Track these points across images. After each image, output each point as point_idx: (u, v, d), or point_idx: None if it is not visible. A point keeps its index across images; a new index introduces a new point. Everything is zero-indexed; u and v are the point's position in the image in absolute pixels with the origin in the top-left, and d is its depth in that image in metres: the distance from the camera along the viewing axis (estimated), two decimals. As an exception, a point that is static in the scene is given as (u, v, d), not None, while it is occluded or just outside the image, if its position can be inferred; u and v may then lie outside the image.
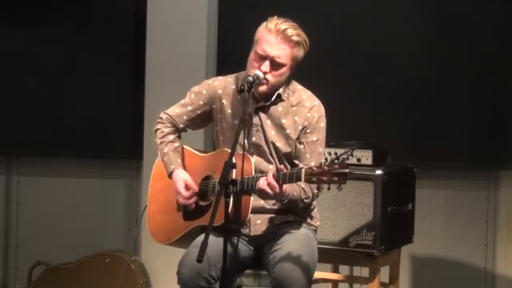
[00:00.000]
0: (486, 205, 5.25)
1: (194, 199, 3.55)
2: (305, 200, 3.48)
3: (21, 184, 5.79)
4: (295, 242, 3.47)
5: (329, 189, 3.26)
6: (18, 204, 5.79)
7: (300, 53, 3.50)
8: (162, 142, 3.67)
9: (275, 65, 3.46)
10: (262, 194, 3.35)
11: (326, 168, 3.18)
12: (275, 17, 3.49)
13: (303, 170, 3.23)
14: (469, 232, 5.24)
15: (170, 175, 3.62)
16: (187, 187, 3.55)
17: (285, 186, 3.33)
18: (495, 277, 5.23)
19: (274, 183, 3.28)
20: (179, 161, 3.63)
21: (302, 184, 3.41)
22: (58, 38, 5.57)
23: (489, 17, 5.11)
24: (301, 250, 3.42)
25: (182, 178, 3.57)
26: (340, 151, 4.32)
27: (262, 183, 3.30)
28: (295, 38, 3.46)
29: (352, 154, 4.31)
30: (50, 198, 5.71)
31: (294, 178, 3.26)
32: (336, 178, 3.16)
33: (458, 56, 5.16)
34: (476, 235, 5.24)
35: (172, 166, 3.61)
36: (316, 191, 3.49)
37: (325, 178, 3.18)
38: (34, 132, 5.61)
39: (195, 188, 3.56)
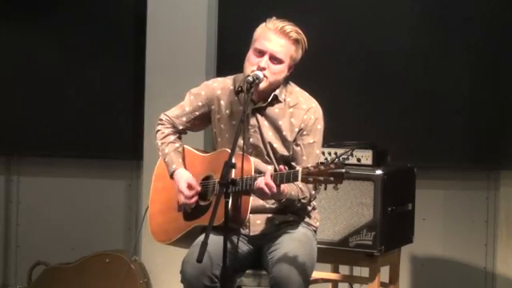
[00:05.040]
0: (486, 205, 5.25)
1: (195, 199, 3.55)
2: (302, 200, 3.49)
3: (21, 184, 5.79)
4: (294, 241, 3.47)
5: (325, 188, 3.25)
6: (18, 204, 5.79)
7: (298, 52, 3.51)
8: (163, 143, 3.68)
9: (274, 60, 3.46)
10: (260, 194, 3.36)
11: (322, 168, 3.18)
12: (274, 17, 3.51)
13: (300, 170, 3.24)
14: (469, 232, 5.24)
15: (171, 175, 3.62)
16: (190, 187, 3.55)
17: (283, 186, 3.33)
18: (495, 277, 5.23)
19: (272, 183, 3.29)
20: (180, 160, 3.64)
21: (300, 184, 3.42)
22: (57, 37, 5.58)
23: (489, 17, 5.11)
24: (299, 249, 3.42)
25: (184, 177, 3.57)
26: (340, 151, 4.32)
27: (260, 183, 3.31)
28: (294, 35, 3.47)
29: (352, 154, 4.31)
30: (50, 198, 5.71)
31: (292, 178, 3.27)
32: (332, 178, 3.17)
33: (458, 56, 5.16)
34: (476, 235, 5.24)
35: (174, 166, 3.62)
36: (313, 192, 3.50)
37: (321, 178, 3.19)
38: (34, 132, 5.61)
39: (198, 187, 3.55)
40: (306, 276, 3.38)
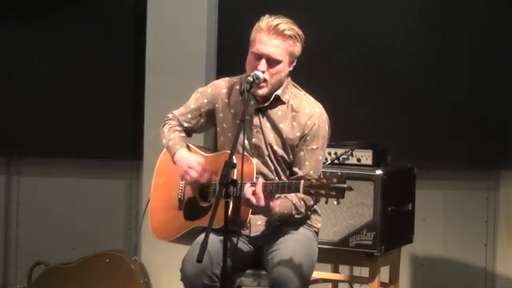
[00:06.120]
0: (485, 205, 5.25)
1: (207, 176, 3.48)
2: (296, 216, 3.47)
3: (21, 184, 5.79)
4: (293, 242, 3.47)
5: (326, 202, 3.22)
6: (18, 204, 5.79)
7: (296, 48, 3.48)
8: (169, 130, 3.64)
9: (272, 62, 3.44)
10: (248, 204, 3.32)
11: (324, 181, 3.15)
12: (266, 15, 3.49)
13: (302, 182, 3.21)
14: (469, 232, 5.24)
15: (173, 156, 3.56)
16: (200, 164, 3.48)
17: (273, 204, 3.32)
18: (495, 277, 5.23)
19: (260, 194, 3.26)
20: (185, 145, 3.60)
21: (295, 199, 3.43)
22: (57, 37, 5.58)
23: (488, 17, 5.11)
24: (299, 250, 3.41)
25: (192, 155, 3.52)
26: (340, 151, 4.32)
27: (247, 191, 3.28)
28: (288, 32, 3.44)
29: (352, 154, 4.31)
30: (49, 198, 5.70)
31: (293, 188, 3.25)
32: (334, 193, 3.14)
33: (457, 56, 5.16)
34: (476, 235, 5.24)
35: (177, 146, 3.57)
36: (311, 203, 3.48)
37: (323, 192, 3.16)
38: (33, 132, 5.61)
39: (205, 165, 3.48)
40: (305, 277, 3.38)
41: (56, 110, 5.58)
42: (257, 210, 3.37)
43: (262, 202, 3.28)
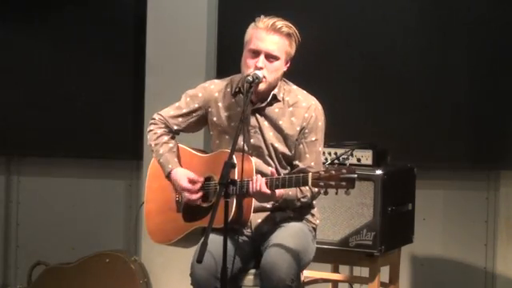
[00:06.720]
0: (485, 205, 5.25)
1: (200, 193, 3.52)
2: (302, 199, 3.49)
3: (21, 184, 5.79)
4: (285, 232, 3.47)
5: (336, 193, 3.24)
6: (18, 204, 5.79)
7: (292, 46, 3.51)
8: (156, 144, 3.64)
9: (270, 58, 3.46)
10: (257, 197, 3.36)
11: (333, 172, 3.17)
12: (262, 16, 3.51)
13: (310, 175, 3.23)
14: (469, 232, 5.24)
15: (168, 176, 3.59)
16: (192, 181, 3.52)
17: (278, 191, 3.35)
18: (495, 277, 5.23)
19: (265, 189, 3.31)
20: (176, 160, 3.61)
21: None
22: (57, 37, 5.58)
23: (489, 17, 5.10)
24: (290, 239, 3.41)
25: (183, 174, 3.55)
26: (340, 151, 4.33)
27: (256, 184, 3.31)
28: (286, 30, 3.47)
29: (352, 154, 4.31)
30: (49, 198, 5.71)
31: (301, 182, 3.26)
32: (344, 183, 3.16)
33: (457, 56, 5.16)
34: (476, 235, 5.24)
35: (170, 166, 3.59)
36: (316, 189, 3.48)
37: (332, 183, 3.18)
38: (34, 132, 5.61)
39: (200, 179, 3.52)
40: (296, 265, 3.35)
41: (56, 110, 5.58)
42: (263, 201, 3.41)
43: (269, 194, 3.33)
